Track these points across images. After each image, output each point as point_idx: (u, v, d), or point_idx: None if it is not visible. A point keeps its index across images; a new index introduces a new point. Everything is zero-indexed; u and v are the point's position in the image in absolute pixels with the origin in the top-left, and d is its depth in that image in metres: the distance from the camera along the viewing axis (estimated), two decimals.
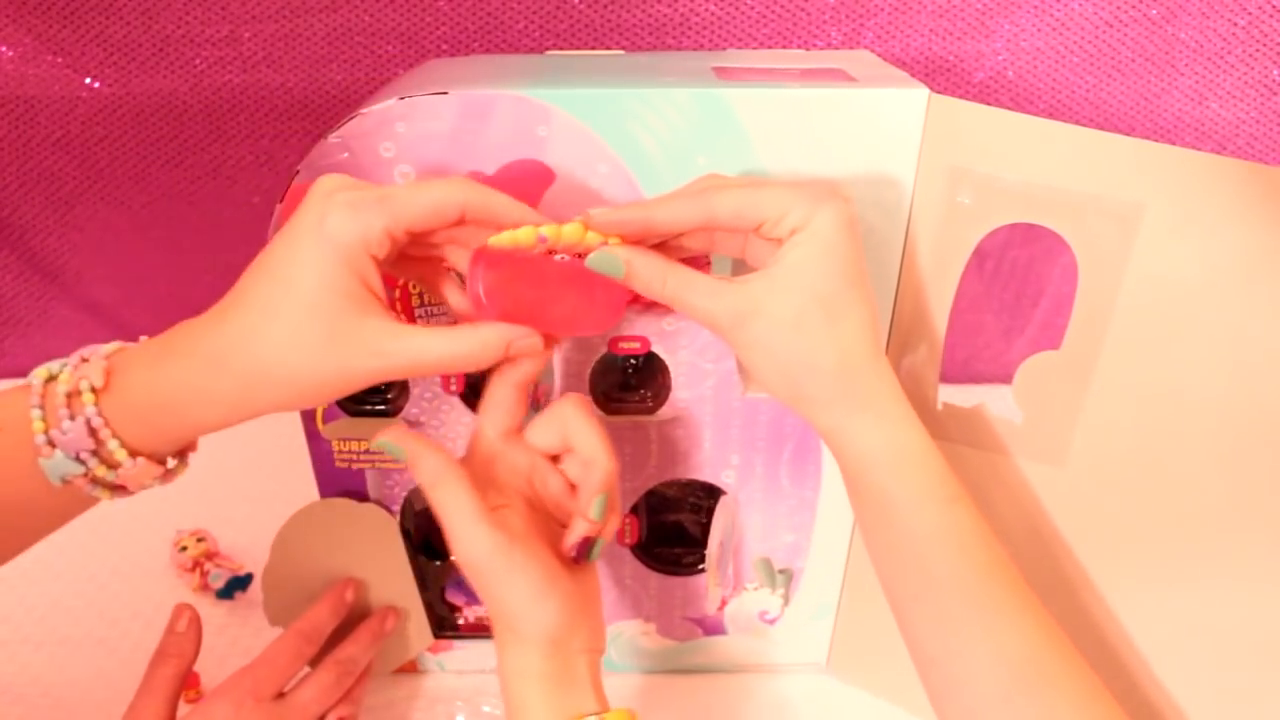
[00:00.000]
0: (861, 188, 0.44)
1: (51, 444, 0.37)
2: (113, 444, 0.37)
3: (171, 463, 0.40)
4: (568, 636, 0.41)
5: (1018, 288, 0.81)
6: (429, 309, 0.48)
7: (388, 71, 0.74)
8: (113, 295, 0.87)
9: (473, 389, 0.52)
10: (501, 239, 0.38)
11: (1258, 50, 0.71)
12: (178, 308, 0.39)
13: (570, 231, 0.39)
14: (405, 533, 0.56)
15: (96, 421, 0.37)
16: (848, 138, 0.44)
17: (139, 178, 0.79)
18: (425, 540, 0.58)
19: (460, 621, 0.61)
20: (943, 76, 0.74)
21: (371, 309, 0.37)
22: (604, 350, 0.50)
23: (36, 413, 0.37)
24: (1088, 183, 0.42)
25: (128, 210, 0.81)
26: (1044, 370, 0.46)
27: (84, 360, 0.38)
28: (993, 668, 0.38)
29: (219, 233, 0.82)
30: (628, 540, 0.57)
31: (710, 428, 0.52)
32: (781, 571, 0.58)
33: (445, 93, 0.43)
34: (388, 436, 0.42)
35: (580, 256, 0.40)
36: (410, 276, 0.44)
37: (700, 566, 0.58)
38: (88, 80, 0.74)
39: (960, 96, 0.44)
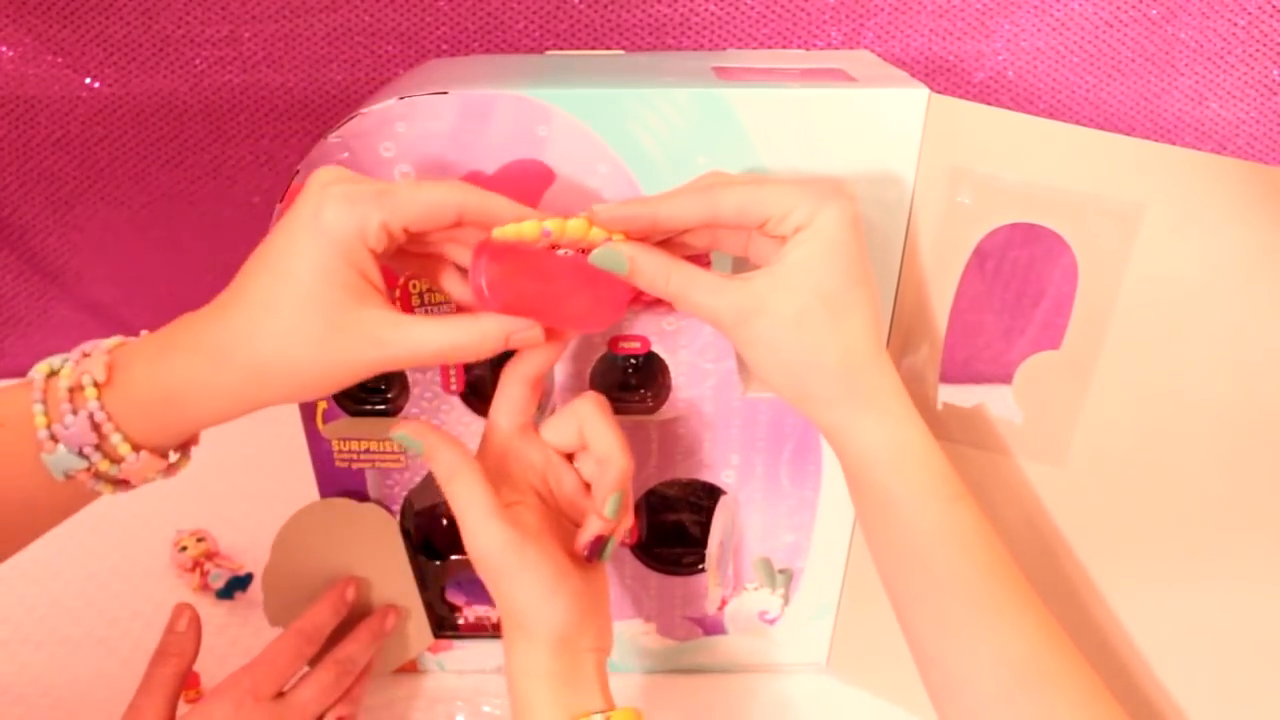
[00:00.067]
0: (862, 188, 0.44)
1: (54, 439, 0.37)
2: (116, 438, 0.37)
3: (174, 456, 0.40)
4: (576, 635, 0.41)
5: (1018, 287, 0.81)
6: (429, 309, 0.48)
7: (388, 71, 0.74)
8: (113, 295, 0.87)
9: (473, 389, 0.52)
10: (506, 231, 0.38)
11: (1258, 50, 0.71)
12: (177, 307, 0.39)
13: (574, 226, 0.39)
14: (405, 533, 0.56)
15: (99, 416, 0.37)
16: (848, 138, 0.44)
17: (139, 178, 0.79)
18: (425, 540, 0.58)
19: (460, 621, 0.61)
20: (943, 76, 0.74)
21: (370, 299, 0.37)
22: (604, 350, 0.50)
23: (39, 408, 0.37)
24: (1088, 183, 0.42)
25: (128, 210, 0.81)
26: (1044, 370, 0.46)
27: (85, 355, 0.38)
28: (994, 667, 0.38)
29: (219, 233, 0.82)
30: (628, 540, 0.57)
31: (710, 428, 0.52)
32: (781, 571, 0.58)
33: (445, 93, 0.43)
34: (405, 429, 0.42)
35: (584, 252, 0.40)
36: (410, 270, 0.44)
37: (700, 566, 0.58)
38: (88, 80, 0.74)
39: (960, 96, 0.44)
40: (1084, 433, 0.46)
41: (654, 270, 0.40)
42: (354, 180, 0.38)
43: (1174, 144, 0.54)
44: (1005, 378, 0.47)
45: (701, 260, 0.42)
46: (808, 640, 0.61)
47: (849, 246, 0.38)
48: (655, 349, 0.50)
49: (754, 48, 0.73)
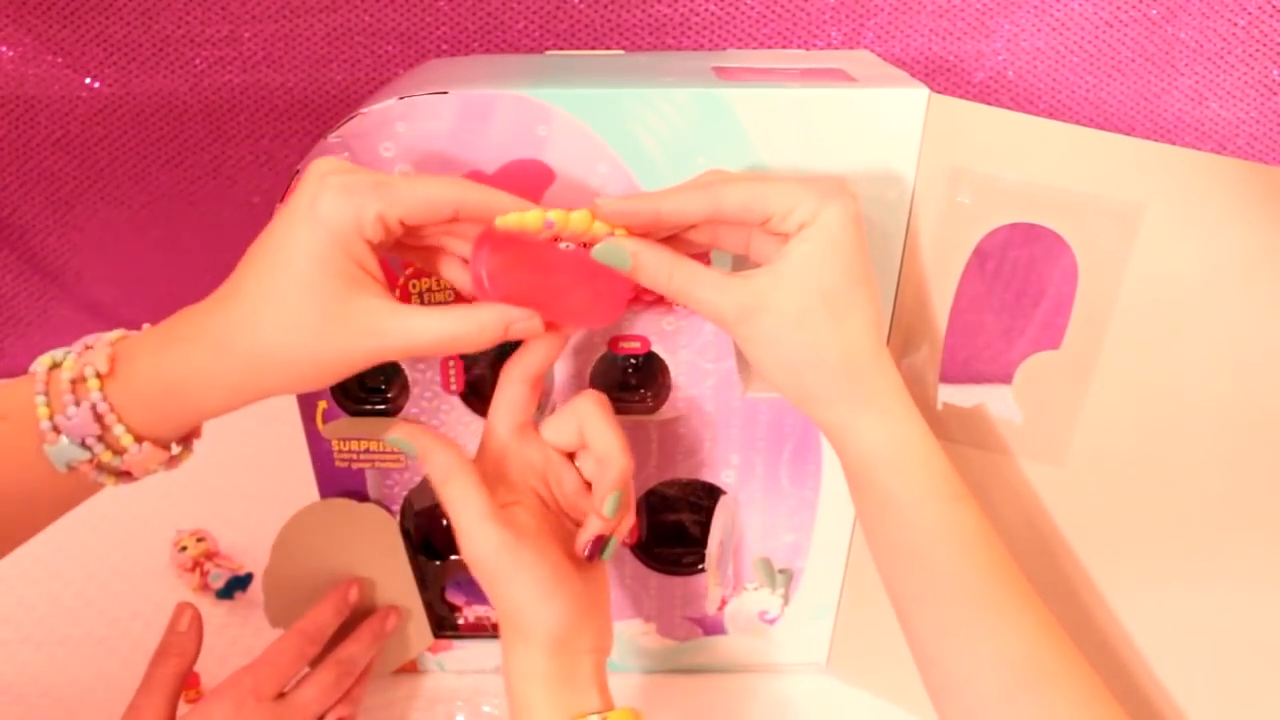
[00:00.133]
0: (862, 187, 0.44)
1: (56, 430, 0.37)
2: (118, 429, 0.37)
3: (176, 449, 0.40)
4: (573, 636, 0.41)
5: (1018, 287, 0.81)
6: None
7: (388, 71, 0.74)
8: (112, 295, 0.87)
9: (473, 388, 0.52)
10: (509, 220, 0.38)
11: (1258, 50, 0.71)
12: (177, 307, 0.39)
13: (577, 219, 0.39)
14: (405, 533, 0.56)
15: (102, 407, 0.37)
16: (848, 137, 0.44)
17: (139, 178, 0.79)
18: (425, 540, 0.58)
19: (460, 621, 0.61)
20: (943, 76, 0.74)
21: (367, 288, 0.37)
22: (604, 350, 0.50)
23: (41, 399, 0.37)
24: (1088, 183, 0.42)
25: (127, 210, 0.81)
26: (1044, 370, 0.46)
27: (88, 348, 0.38)
28: (994, 667, 0.38)
29: (219, 233, 0.82)
30: (628, 540, 0.57)
31: (710, 427, 0.52)
32: (781, 571, 0.58)
33: (445, 93, 0.43)
34: (399, 432, 0.42)
35: (586, 247, 0.40)
36: (410, 261, 0.44)
37: (700, 566, 0.58)
38: (88, 80, 0.74)
39: (960, 96, 0.44)
40: (1084, 433, 0.46)
41: (656, 266, 0.40)
42: (352, 171, 0.38)
43: (1174, 144, 0.54)
44: (1005, 378, 0.47)
45: (702, 259, 0.42)
46: (808, 640, 0.61)
47: (851, 245, 0.38)
48: (655, 349, 0.50)
49: (754, 48, 0.73)
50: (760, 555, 0.57)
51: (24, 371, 0.39)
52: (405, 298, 0.48)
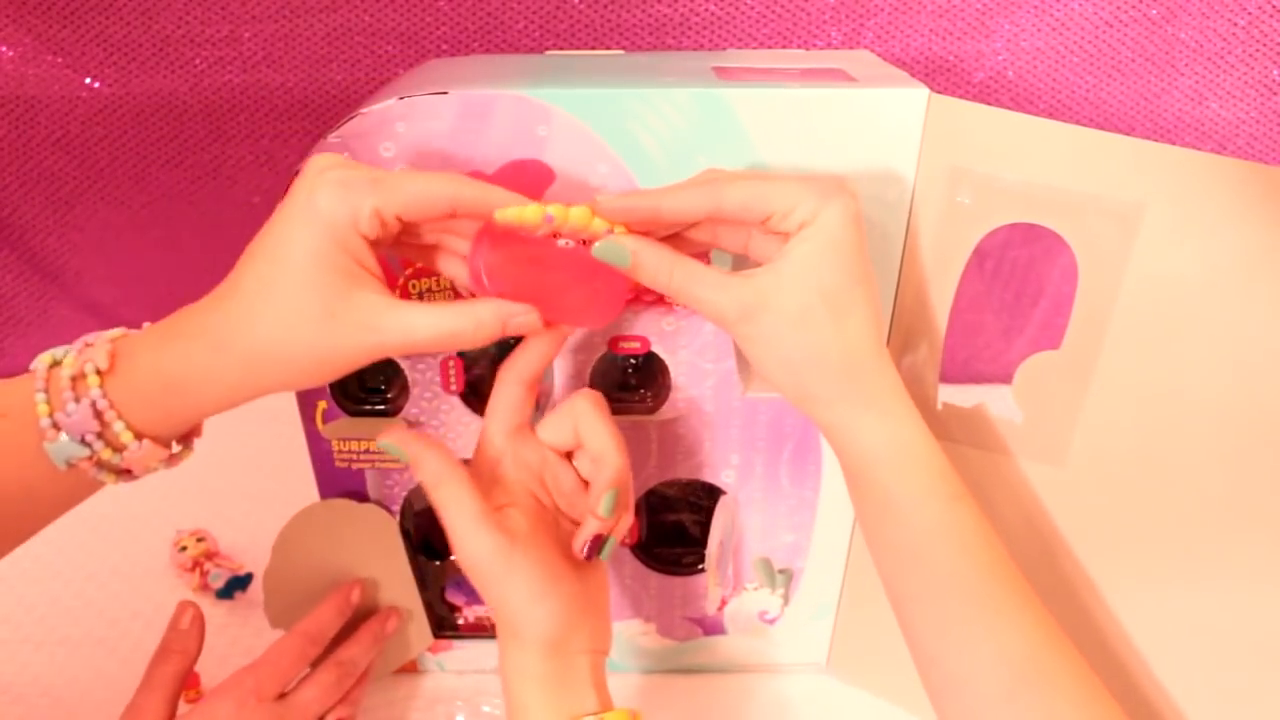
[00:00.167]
0: (862, 187, 0.44)
1: (56, 427, 0.37)
2: (118, 425, 0.37)
3: (177, 448, 0.40)
4: (568, 637, 0.41)
5: (1018, 287, 0.81)
6: None
7: (388, 71, 0.74)
8: (112, 295, 0.87)
9: (473, 389, 0.52)
10: (508, 214, 0.38)
11: (1258, 50, 0.71)
12: (177, 307, 0.39)
13: (577, 214, 0.39)
14: (405, 533, 0.56)
15: (102, 404, 0.37)
16: (848, 137, 0.44)
17: (139, 178, 0.79)
18: (425, 540, 0.58)
19: (460, 621, 0.61)
20: (943, 76, 0.74)
21: (365, 284, 0.37)
22: (604, 350, 0.50)
23: (41, 396, 0.37)
24: (1088, 183, 0.42)
25: (127, 210, 0.81)
26: (1044, 370, 0.46)
27: (88, 345, 0.38)
28: (993, 667, 0.38)
29: (219, 233, 0.82)
30: (627, 540, 0.57)
31: (710, 427, 0.52)
32: (781, 571, 0.58)
33: (445, 93, 0.43)
34: (389, 438, 0.42)
35: (585, 244, 0.40)
36: (410, 257, 0.43)
37: (700, 566, 0.58)
38: (88, 80, 0.74)
39: (960, 96, 0.44)
40: (1084, 433, 0.46)
41: (657, 265, 0.40)
42: (349, 167, 0.38)
43: (1174, 144, 0.54)
44: (1005, 378, 0.47)
45: (701, 260, 0.42)
46: (807, 640, 0.61)
47: (852, 244, 0.38)
48: (655, 349, 0.50)
49: (754, 48, 0.73)
50: (760, 555, 0.57)
51: (24, 371, 0.39)
52: (405, 298, 0.48)
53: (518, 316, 0.39)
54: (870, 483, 0.40)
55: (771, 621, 0.60)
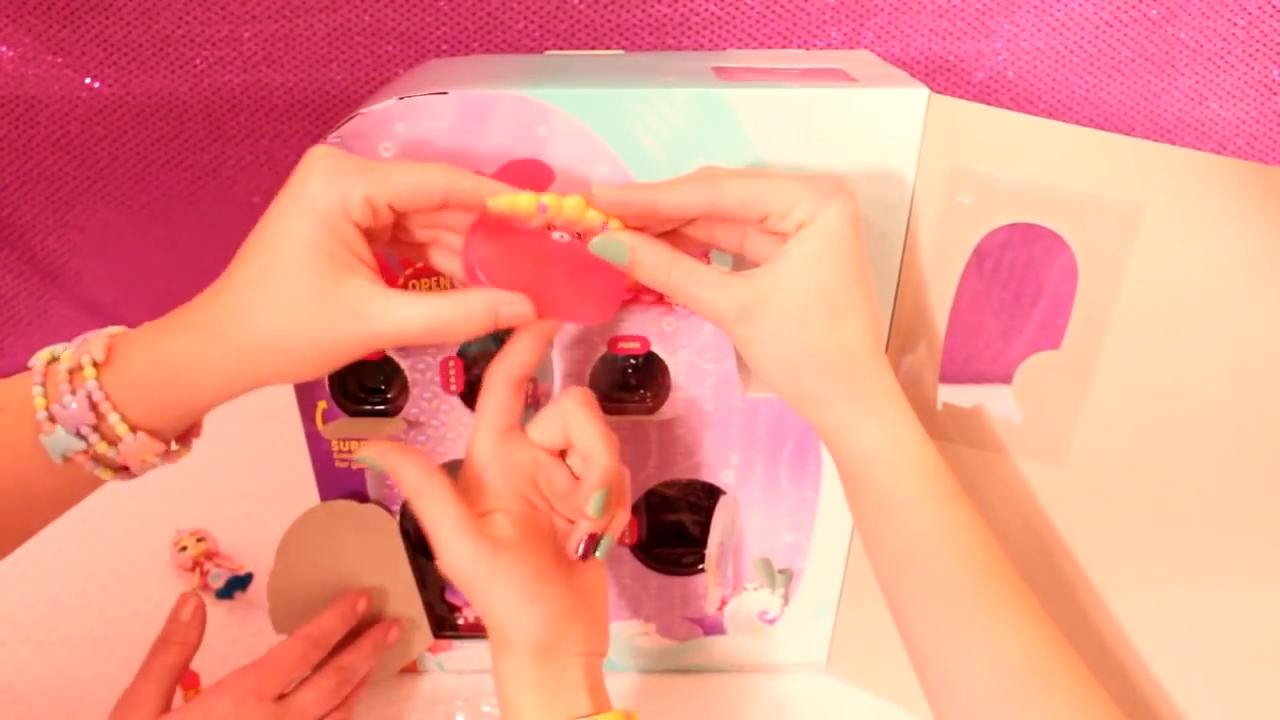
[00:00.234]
0: (861, 187, 0.44)
1: (53, 420, 0.37)
2: (113, 418, 0.37)
3: (174, 446, 0.40)
4: (558, 641, 0.41)
5: (1018, 287, 0.81)
6: None
7: (388, 71, 0.74)
8: (112, 295, 0.87)
9: (473, 389, 0.52)
10: (501, 202, 0.38)
11: (1258, 50, 0.71)
12: (177, 307, 0.39)
13: (571, 204, 0.38)
14: (405, 533, 0.56)
15: (97, 395, 0.37)
16: (848, 137, 0.44)
17: (139, 178, 0.79)
18: (425, 540, 0.58)
19: (460, 621, 0.61)
20: (943, 76, 0.74)
21: (357, 272, 0.37)
22: (604, 350, 0.50)
23: (38, 390, 0.37)
24: (1088, 183, 0.42)
25: (127, 210, 0.81)
26: (1044, 370, 0.46)
27: (86, 340, 0.38)
28: (990, 667, 0.38)
29: (219, 233, 0.82)
30: (628, 540, 0.57)
31: (710, 428, 0.52)
32: (781, 571, 0.58)
33: (445, 93, 0.43)
34: (367, 451, 0.42)
35: (581, 239, 0.40)
36: (407, 255, 0.43)
37: (700, 566, 0.58)
38: (88, 80, 0.74)
39: (960, 96, 0.44)
40: (1084, 433, 0.46)
41: (655, 262, 0.39)
42: (342, 156, 0.38)
43: (1174, 144, 0.54)
44: (1005, 378, 0.47)
45: (699, 258, 0.42)
46: (807, 640, 0.61)
47: (851, 246, 0.38)
48: (655, 349, 0.50)
49: (754, 48, 0.73)
50: (760, 555, 0.57)
51: (24, 371, 0.39)
52: None
53: (509, 306, 0.39)
54: (867, 484, 0.40)
55: (771, 621, 0.60)
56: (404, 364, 0.50)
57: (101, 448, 0.38)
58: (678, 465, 0.54)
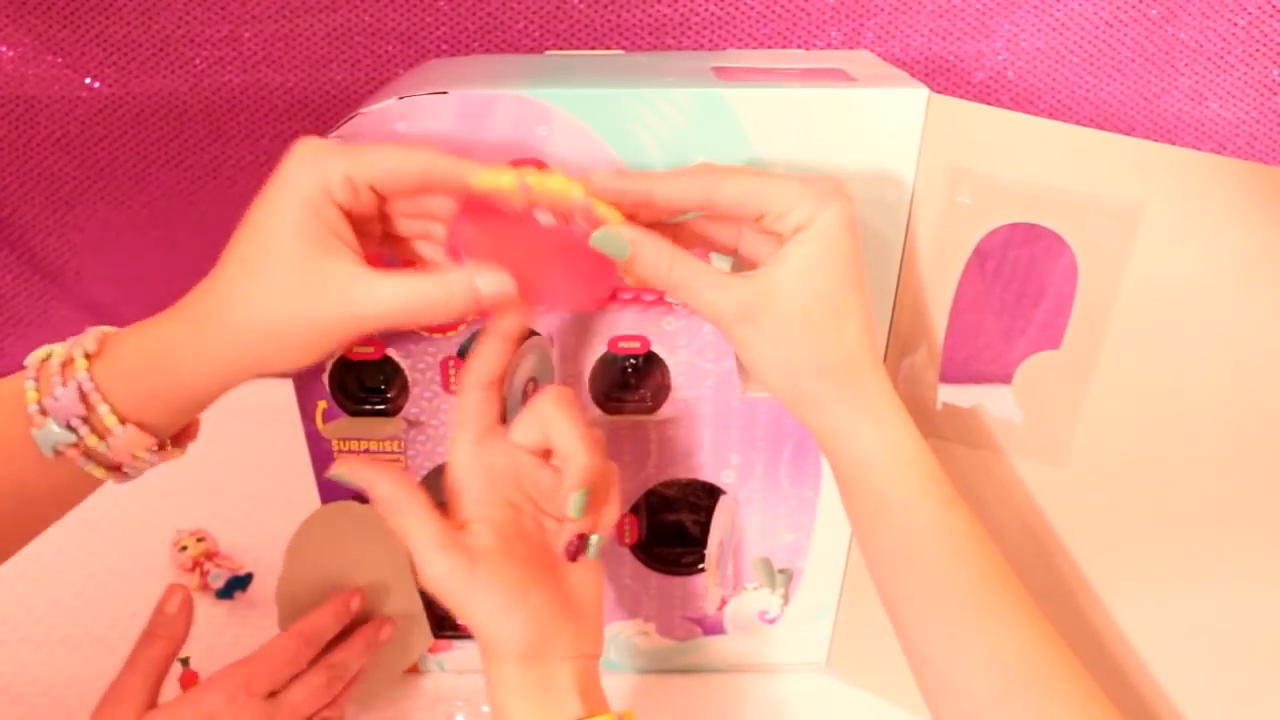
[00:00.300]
0: (861, 187, 0.44)
1: (44, 413, 0.37)
2: (103, 409, 0.37)
3: (168, 447, 0.40)
4: (544, 647, 0.41)
5: (1018, 288, 0.81)
6: None
7: (388, 71, 0.74)
8: (112, 295, 0.87)
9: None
10: (483, 179, 0.37)
11: (1258, 50, 0.71)
12: None
13: (554, 183, 0.38)
14: None
15: (87, 386, 0.37)
16: (848, 137, 0.44)
17: (139, 178, 0.79)
18: None
19: (460, 621, 0.61)
20: (943, 76, 0.74)
21: (339, 252, 0.38)
22: (604, 350, 0.50)
23: (30, 384, 0.37)
24: (1088, 183, 0.42)
25: (127, 210, 0.81)
26: (1044, 370, 0.46)
27: (80, 336, 0.39)
28: (987, 668, 0.38)
29: (219, 233, 0.81)
30: (628, 540, 0.57)
31: (710, 427, 0.52)
32: (781, 571, 0.58)
33: (445, 93, 0.43)
34: (341, 469, 0.42)
35: (568, 221, 0.39)
36: (398, 252, 0.43)
37: (700, 566, 0.58)
38: (88, 80, 0.74)
39: (960, 96, 0.44)
40: (1083, 433, 0.46)
41: (656, 258, 0.39)
42: (327, 142, 0.39)
43: (1174, 144, 0.53)
44: (1005, 378, 0.47)
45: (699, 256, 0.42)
46: (807, 640, 0.61)
47: (848, 249, 0.38)
48: (655, 349, 0.50)
49: (754, 48, 0.73)
50: (760, 555, 0.57)
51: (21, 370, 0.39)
52: None
53: (490, 283, 0.38)
54: (864, 487, 0.40)
55: (771, 621, 0.60)
56: (404, 364, 0.50)
57: (92, 441, 0.38)
58: (678, 465, 0.54)
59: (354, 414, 0.52)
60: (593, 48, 0.73)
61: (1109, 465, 0.46)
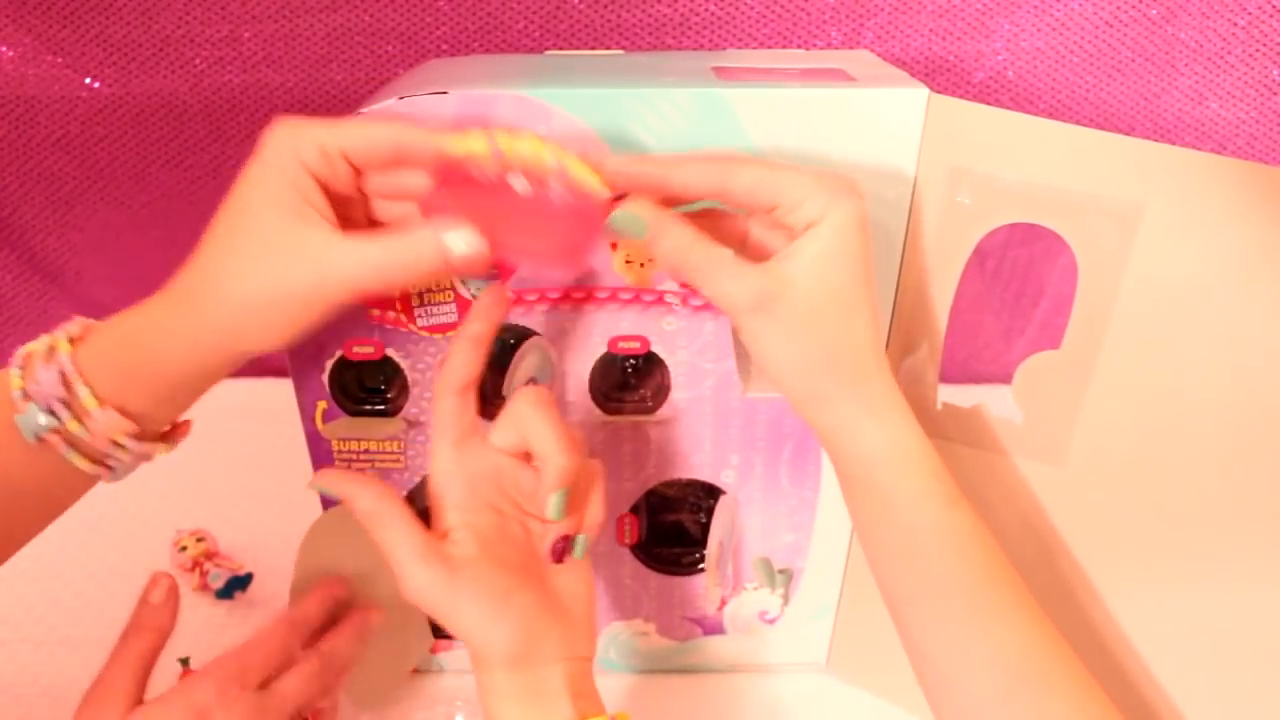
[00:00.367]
0: (862, 187, 0.44)
1: (27, 398, 0.37)
2: (82, 390, 0.38)
3: (158, 446, 0.41)
4: (531, 651, 0.40)
5: (1018, 287, 0.81)
6: (429, 309, 0.48)
7: (388, 71, 0.74)
8: (113, 295, 0.87)
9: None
10: (455, 145, 0.38)
11: (1258, 50, 0.71)
12: None
13: (525, 144, 0.38)
14: None
15: (68, 368, 0.37)
16: (848, 137, 0.44)
17: (139, 178, 0.79)
18: None
19: (447, 631, 0.60)
20: (943, 76, 0.74)
21: (313, 222, 0.38)
22: (604, 350, 0.50)
23: (16, 372, 0.38)
24: (1088, 183, 0.42)
25: (127, 210, 0.81)
26: (1044, 370, 0.46)
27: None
28: (989, 668, 0.38)
29: None
30: (628, 540, 0.57)
31: (710, 427, 0.52)
32: (781, 571, 0.58)
33: (445, 93, 0.43)
34: (321, 481, 0.42)
35: (542, 184, 0.38)
36: None
37: (700, 566, 0.58)
38: (88, 80, 0.74)
39: (960, 96, 0.44)
40: (1084, 433, 0.46)
41: (675, 241, 0.38)
42: (302, 119, 0.39)
43: (1174, 144, 0.53)
44: (1005, 378, 0.47)
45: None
46: (807, 640, 0.61)
47: (859, 248, 0.38)
48: (655, 349, 0.50)
49: (754, 48, 0.73)
50: (760, 555, 0.57)
51: None
52: (406, 299, 0.48)
53: (459, 239, 0.38)
54: (868, 485, 0.40)
55: (771, 621, 0.60)
56: (404, 364, 0.50)
57: (73, 426, 0.38)
58: (678, 465, 0.54)
59: (354, 414, 0.52)
60: (593, 48, 0.73)
61: (1109, 465, 0.46)
